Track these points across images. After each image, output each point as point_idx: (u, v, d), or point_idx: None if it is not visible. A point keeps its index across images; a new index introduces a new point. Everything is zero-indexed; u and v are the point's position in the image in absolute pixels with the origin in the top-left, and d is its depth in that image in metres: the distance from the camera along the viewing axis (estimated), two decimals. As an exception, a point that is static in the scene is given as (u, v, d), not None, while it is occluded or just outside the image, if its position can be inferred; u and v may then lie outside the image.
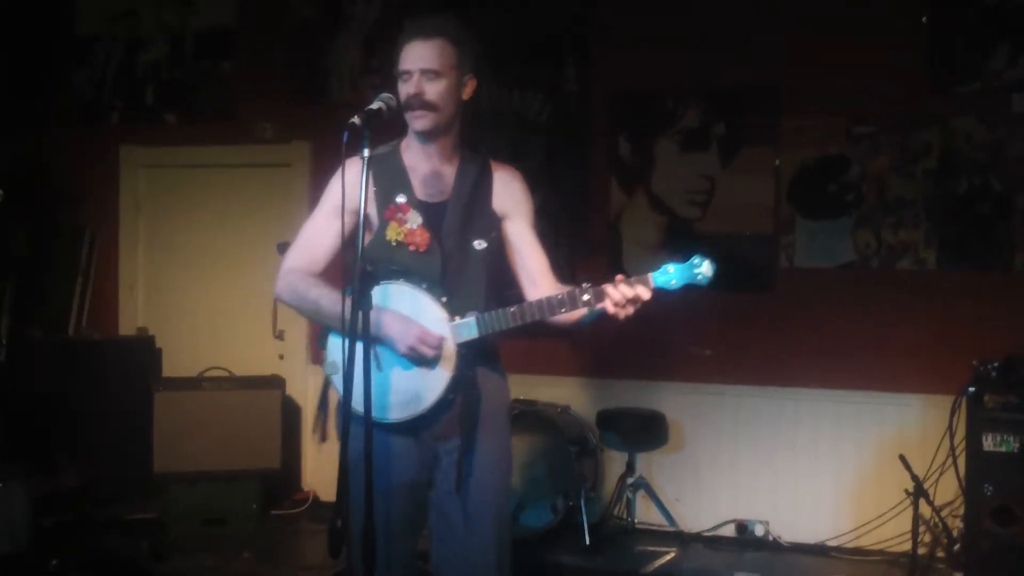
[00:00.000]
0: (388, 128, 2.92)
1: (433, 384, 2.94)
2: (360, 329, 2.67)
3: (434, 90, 2.96)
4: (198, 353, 6.62)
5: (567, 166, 6.23)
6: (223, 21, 6.94)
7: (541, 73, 6.27)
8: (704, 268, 2.87)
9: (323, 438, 3.13)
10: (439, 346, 2.90)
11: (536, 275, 3.14)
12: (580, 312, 2.93)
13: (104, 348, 6.59)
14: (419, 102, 2.95)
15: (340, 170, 3.03)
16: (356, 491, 2.74)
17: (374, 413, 2.71)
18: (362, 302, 2.66)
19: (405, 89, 2.96)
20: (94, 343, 6.63)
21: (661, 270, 2.88)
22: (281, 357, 6.67)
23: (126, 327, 7.03)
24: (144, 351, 6.58)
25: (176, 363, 6.60)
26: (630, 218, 6.13)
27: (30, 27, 7.17)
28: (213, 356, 6.52)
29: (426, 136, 3.04)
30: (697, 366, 5.92)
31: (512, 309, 2.92)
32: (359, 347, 2.70)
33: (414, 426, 2.97)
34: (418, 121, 2.98)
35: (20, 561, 5.02)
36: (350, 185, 2.83)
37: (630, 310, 2.85)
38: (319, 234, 3.10)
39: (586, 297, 2.87)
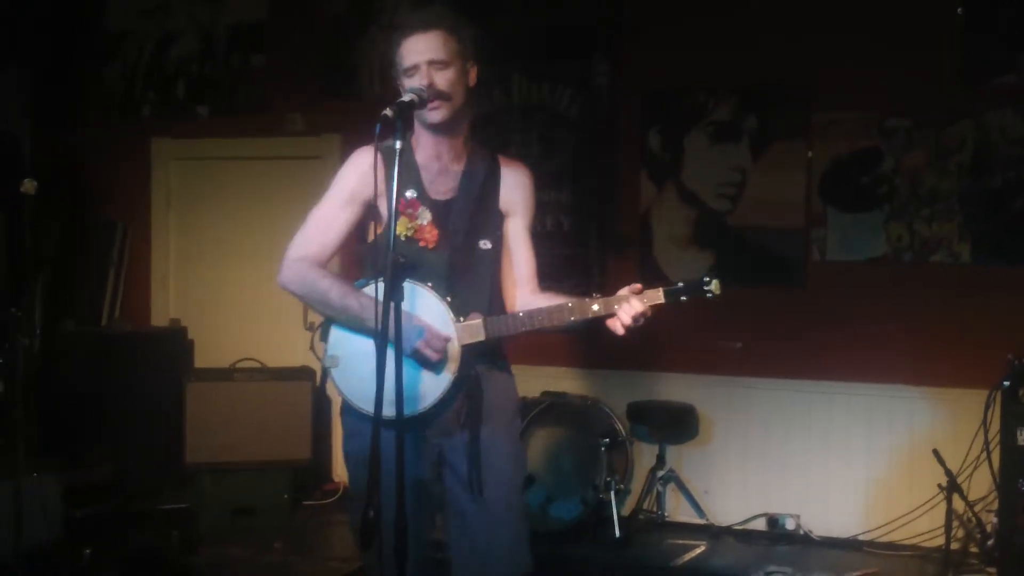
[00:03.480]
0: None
1: (436, 384, 2.95)
2: (388, 319, 2.65)
3: (444, 79, 2.95)
4: (230, 344, 6.65)
5: (597, 160, 6.21)
6: (253, 15, 6.96)
7: (571, 67, 6.25)
8: (713, 287, 2.89)
9: None
10: (443, 349, 2.92)
11: (522, 278, 3.15)
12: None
13: (137, 340, 6.62)
14: (433, 92, 2.92)
15: (352, 158, 3.05)
16: (360, 486, 2.78)
17: (375, 409, 2.69)
18: (394, 294, 2.64)
19: (414, 83, 2.93)
20: (127, 335, 6.66)
21: (673, 286, 2.91)
22: (312, 348, 6.68)
23: (158, 319, 7.08)
24: (176, 342, 6.61)
25: (208, 354, 6.63)
26: (660, 212, 6.10)
27: (61, 22, 7.23)
28: (245, 347, 6.55)
29: (440, 128, 3.02)
30: (728, 359, 5.90)
31: (521, 315, 2.94)
32: (371, 342, 2.73)
33: (418, 423, 2.97)
34: (434, 113, 2.95)
35: (54, 552, 5.06)
36: (365, 175, 2.84)
37: (639, 324, 2.89)
38: (330, 223, 3.06)
39: (596, 307, 2.89)
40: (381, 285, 2.67)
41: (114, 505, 5.81)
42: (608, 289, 3.01)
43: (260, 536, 5.70)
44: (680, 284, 2.90)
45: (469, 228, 3.05)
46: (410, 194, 3.02)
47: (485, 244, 3.06)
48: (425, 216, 3.02)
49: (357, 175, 3.01)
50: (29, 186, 4.50)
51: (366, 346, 2.91)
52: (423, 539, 3.08)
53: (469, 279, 3.02)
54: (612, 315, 2.90)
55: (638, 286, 2.90)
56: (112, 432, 6.16)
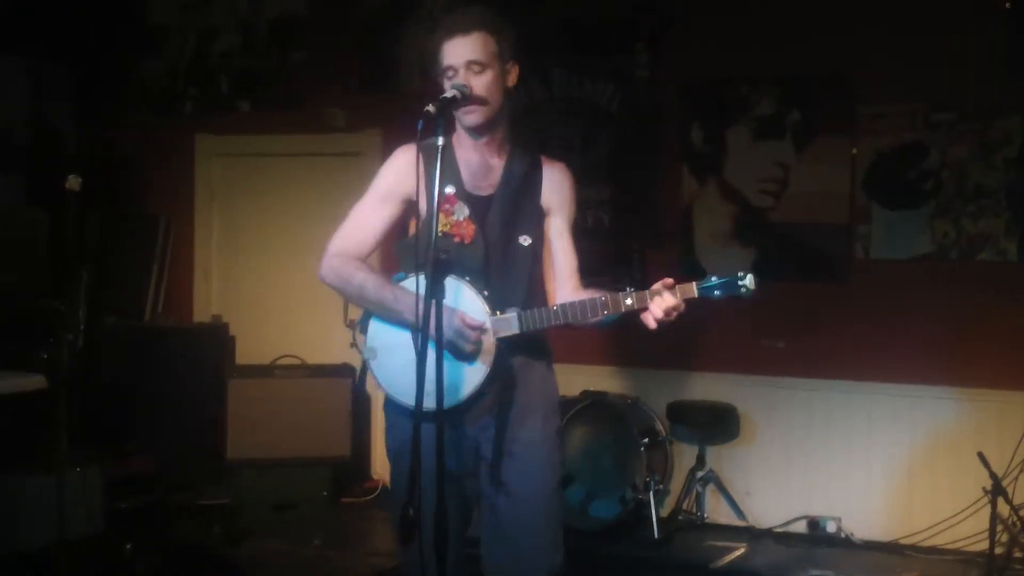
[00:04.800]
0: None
1: (470, 377, 2.94)
2: (432, 317, 2.65)
3: (481, 83, 2.94)
4: (271, 341, 6.68)
5: (638, 154, 6.17)
6: (294, 10, 6.99)
7: (612, 61, 6.21)
8: (748, 282, 2.86)
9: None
10: (477, 341, 2.91)
11: (564, 275, 3.14)
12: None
13: (178, 336, 6.67)
14: (469, 97, 2.92)
15: (392, 156, 3.06)
16: (398, 481, 2.78)
17: (414, 402, 2.68)
18: (435, 291, 2.64)
19: (454, 83, 2.94)
20: (169, 331, 6.71)
21: (706, 280, 2.87)
22: (352, 345, 6.69)
23: (200, 315, 7.12)
24: (218, 339, 6.64)
25: (249, 351, 6.66)
26: (702, 207, 6.06)
27: (102, 17, 7.28)
28: (285, 344, 6.58)
29: (477, 131, 3.02)
30: (770, 359, 5.85)
31: (555, 308, 2.93)
32: (407, 334, 2.77)
33: (453, 417, 2.95)
34: (469, 116, 2.97)
35: (96, 544, 5.10)
36: (405, 172, 2.87)
37: (671, 318, 2.86)
38: (368, 219, 3.09)
39: (629, 301, 2.86)
40: (422, 280, 2.69)
41: (155, 499, 5.85)
42: (648, 285, 2.97)
43: (300, 531, 5.72)
44: (714, 279, 2.86)
45: (507, 224, 3.05)
46: (449, 190, 3.03)
47: (524, 240, 3.06)
48: (462, 212, 3.02)
49: (394, 172, 3.03)
50: (74, 183, 4.53)
51: (402, 338, 2.95)
52: (459, 535, 3.06)
53: (505, 274, 3.02)
54: (645, 309, 2.88)
55: (670, 280, 2.87)
56: (153, 427, 6.21)
